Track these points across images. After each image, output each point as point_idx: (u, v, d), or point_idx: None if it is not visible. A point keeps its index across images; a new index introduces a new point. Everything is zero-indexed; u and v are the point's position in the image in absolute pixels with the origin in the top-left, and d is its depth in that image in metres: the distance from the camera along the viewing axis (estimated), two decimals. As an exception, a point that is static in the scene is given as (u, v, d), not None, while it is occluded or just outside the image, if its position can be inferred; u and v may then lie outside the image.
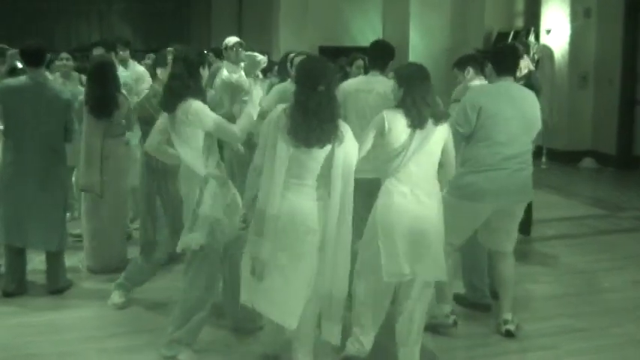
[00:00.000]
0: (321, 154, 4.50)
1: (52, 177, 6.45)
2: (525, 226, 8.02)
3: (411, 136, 4.74)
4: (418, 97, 4.77)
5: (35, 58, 6.39)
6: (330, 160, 4.51)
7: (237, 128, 4.96)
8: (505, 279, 5.76)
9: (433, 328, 5.56)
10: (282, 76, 8.30)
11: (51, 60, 8.52)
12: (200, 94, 5.00)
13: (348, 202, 4.58)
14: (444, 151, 4.89)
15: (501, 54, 5.80)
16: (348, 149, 4.56)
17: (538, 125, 5.64)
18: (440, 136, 4.84)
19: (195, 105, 4.89)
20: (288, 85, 6.85)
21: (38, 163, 6.35)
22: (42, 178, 6.37)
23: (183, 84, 4.92)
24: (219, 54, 9.61)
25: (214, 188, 4.99)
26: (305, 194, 4.54)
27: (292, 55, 7.67)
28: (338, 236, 4.57)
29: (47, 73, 8.82)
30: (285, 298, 4.56)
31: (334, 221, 4.54)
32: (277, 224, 4.50)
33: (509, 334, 5.67)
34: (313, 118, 4.44)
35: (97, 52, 9.00)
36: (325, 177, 4.56)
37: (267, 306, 4.64)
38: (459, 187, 5.39)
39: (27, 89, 6.32)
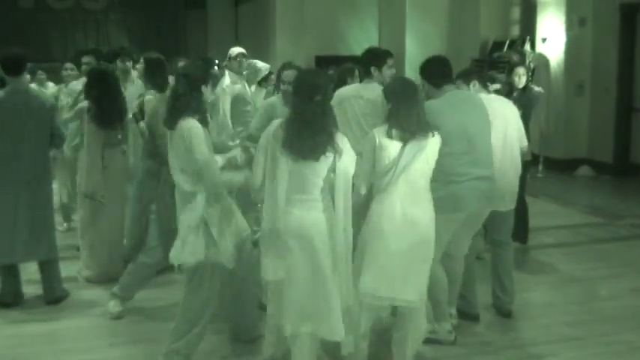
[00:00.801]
0: (322, 167, 4.50)
1: (40, 185, 6.44)
2: (522, 235, 8.04)
3: (400, 152, 4.75)
4: (404, 112, 4.79)
5: (15, 67, 6.34)
6: (331, 173, 4.52)
7: (221, 178, 4.90)
8: (456, 279, 5.78)
9: (434, 342, 5.55)
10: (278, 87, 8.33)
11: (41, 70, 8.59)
12: (200, 112, 4.98)
13: (349, 214, 4.60)
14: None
15: (431, 67, 5.66)
16: (347, 161, 4.57)
17: (490, 126, 5.63)
18: (432, 149, 4.86)
19: (192, 125, 4.85)
20: (276, 100, 6.86)
21: (26, 172, 6.32)
22: (30, 187, 6.35)
23: (185, 102, 4.92)
24: (211, 64, 9.60)
25: (201, 203, 4.94)
26: (311, 208, 4.53)
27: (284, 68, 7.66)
28: (345, 247, 4.59)
29: (50, 83, 8.81)
30: (325, 311, 4.52)
31: (342, 233, 4.55)
32: (286, 239, 4.49)
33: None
34: (307, 129, 4.46)
35: (86, 60, 8.96)
36: (327, 190, 4.56)
37: (314, 325, 4.56)
38: (435, 201, 5.29)
39: (9, 100, 6.28)
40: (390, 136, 4.77)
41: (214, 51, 19.68)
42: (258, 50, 17.09)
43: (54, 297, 6.57)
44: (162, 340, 5.36)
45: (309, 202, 4.53)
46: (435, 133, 4.90)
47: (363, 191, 4.82)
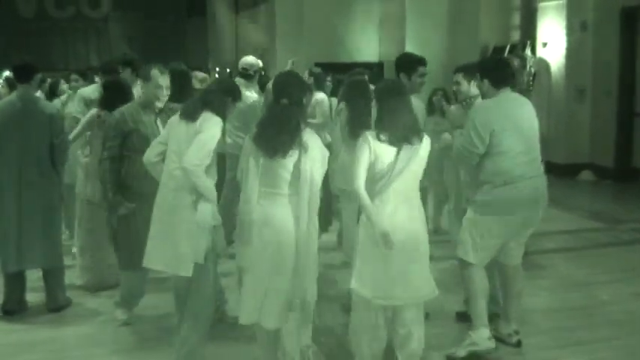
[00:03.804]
0: (289, 162, 4.59)
1: (45, 191, 6.45)
2: None
3: (396, 157, 4.78)
4: (388, 115, 4.83)
5: (23, 74, 6.42)
6: (297, 168, 4.58)
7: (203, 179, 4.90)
8: (517, 292, 5.77)
9: (476, 355, 5.53)
10: None
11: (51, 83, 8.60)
12: (220, 114, 5.03)
13: (314, 208, 4.66)
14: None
15: (494, 68, 5.71)
16: (314, 157, 4.63)
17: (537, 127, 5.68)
18: (424, 151, 4.89)
19: (217, 119, 4.95)
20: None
21: (30, 179, 6.35)
22: (35, 193, 6.37)
23: (212, 100, 5.02)
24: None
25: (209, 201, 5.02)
26: (279, 203, 4.64)
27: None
28: (307, 241, 4.65)
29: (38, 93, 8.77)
30: (269, 302, 4.63)
31: (304, 227, 4.61)
32: (252, 231, 4.63)
33: (519, 344, 5.72)
34: (271, 129, 4.63)
35: (74, 84, 8.93)
36: (295, 184, 4.63)
37: (255, 313, 4.67)
38: (487, 204, 5.38)
39: (13, 107, 6.34)
40: (380, 139, 4.80)
41: (215, 58, 19.72)
42: (257, 57, 17.11)
43: (57, 305, 6.58)
44: (164, 347, 5.38)
45: (277, 195, 4.65)
46: (425, 135, 4.92)
47: (362, 191, 4.82)
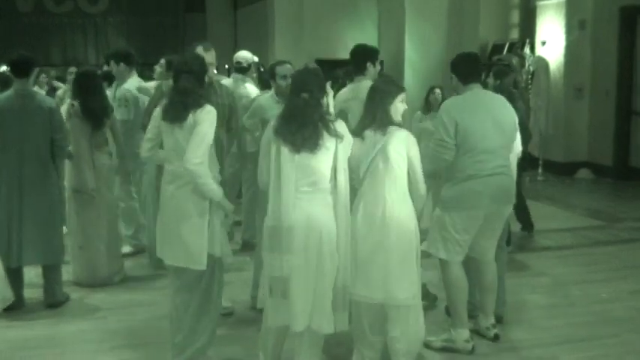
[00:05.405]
0: (327, 156, 4.53)
1: (46, 187, 6.44)
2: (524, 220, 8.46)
3: (360, 150, 4.81)
4: (365, 109, 4.92)
5: (21, 69, 6.40)
6: (336, 158, 4.57)
7: (201, 168, 4.74)
8: (490, 285, 5.75)
9: (450, 351, 5.54)
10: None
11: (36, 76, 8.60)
12: (210, 101, 4.98)
13: (347, 194, 4.64)
14: (408, 165, 4.84)
15: (461, 63, 5.71)
16: (347, 145, 4.63)
17: (513, 126, 5.61)
18: (394, 145, 4.79)
19: (210, 108, 4.85)
20: (263, 100, 6.84)
21: (30, 174, 6.34)
22: (35, 189, 6.36)
23: (194, 95, 4.86)
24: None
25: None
26: (320, 200, 4.55)
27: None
28: (346, 232, 4.65)
29: (36, 86, 8.77)
30: (317, 305, 4.55)
31: (343, 215, 4.60)
32: (293, 236, 4.47)
33: (497, 338, 5.73)
34: (294, 122, 4.53)
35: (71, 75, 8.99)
36: (335, 178, 4.60)
37: (301, 319, 4.54)
38: (449, 200, 5.39)
39: (11, 102, 6.33)
40: (355, 134, 4.83)
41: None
42: (257, 54, 17.06)
43: (55, 301, 6.58)
44: (163, 343, 5.36)
45: (318, 193, 4.55)
46: (398, 128, 4.86)
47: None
